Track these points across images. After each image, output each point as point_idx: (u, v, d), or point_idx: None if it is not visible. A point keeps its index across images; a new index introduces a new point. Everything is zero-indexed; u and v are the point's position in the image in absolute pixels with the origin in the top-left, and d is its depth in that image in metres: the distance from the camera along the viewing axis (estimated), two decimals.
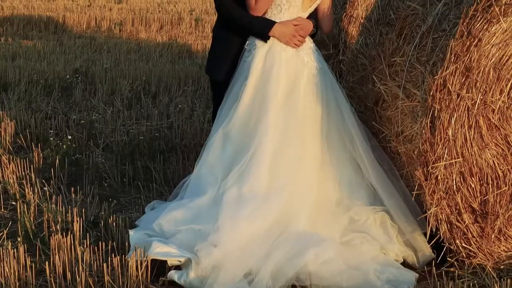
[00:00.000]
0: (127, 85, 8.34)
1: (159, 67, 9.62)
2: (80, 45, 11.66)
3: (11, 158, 5.37)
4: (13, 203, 4.66)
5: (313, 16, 4.38)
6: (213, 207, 3.88)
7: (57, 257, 3.69)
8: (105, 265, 3.56)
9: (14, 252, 3.66)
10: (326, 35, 5.60)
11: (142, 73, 9.07)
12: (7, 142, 5.88)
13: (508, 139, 3.79)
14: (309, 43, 4.33)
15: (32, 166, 5.23)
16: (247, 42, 4.29)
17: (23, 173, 5.13)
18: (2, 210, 4.62)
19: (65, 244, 3.76)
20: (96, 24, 14.43)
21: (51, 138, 5.85)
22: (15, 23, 14.05)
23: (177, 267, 3.67)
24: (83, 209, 4.42)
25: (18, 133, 6.18)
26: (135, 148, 5.82)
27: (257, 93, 4.18)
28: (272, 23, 4.20)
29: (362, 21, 6.29)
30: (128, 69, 9.32)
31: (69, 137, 5.79)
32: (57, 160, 5.31)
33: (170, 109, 7.27)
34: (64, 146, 5.53)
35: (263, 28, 4.20)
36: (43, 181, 5.03)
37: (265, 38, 4.21)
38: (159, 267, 3.71)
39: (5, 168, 5.15)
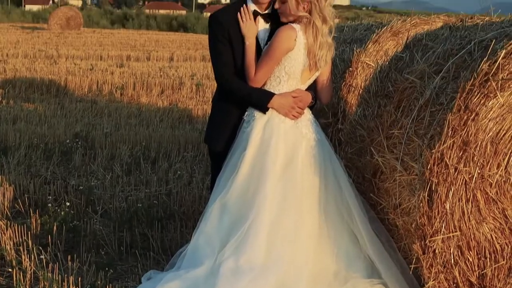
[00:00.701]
0: (126, 150, 8.36)
1: (159, 132, 9.66)
2: (81, 108, 11.73)
3: (9, 223, 5.36)
4: (9, 270, 4.63)
5: (312, 87, 4.43)
6: (210, 278, 3.86)
7: None
8: None
9: None
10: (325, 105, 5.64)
11: (142, 138, 9.11)
12: (5, 207, 5.87)
13: (506, 213, 3.79)
14: (307, 114, 4.37)
15: (29, 232, 5.21)
16: (246, 113, 4.33)
17: (20, 239, 5.11)
18: None
19: None
20: (98, 88, 14.55)
21: (50, 204, 5.84)
22: (17, 86, 14.18)
23: None
24: (80, 278, 4.40)
25: (17, 198, 6.18)
26: (133, 215, 5.80)
27: (255, 164, 4.20)
28: (271, 94, 4.24)
29: (361, 91, 6.36)
30: (128, 134, 9.36)
31: (67, 203, 5.78)
32: (55, 227, 5.29)
33: (169, 175, 7.27)
34: (62, 213, 5.52)
35: (262, 100, 4.24)
36: (40, 248, 5.00)
37: (264, 109, 4.25)
38: None
39: (2, 234, 5.14)
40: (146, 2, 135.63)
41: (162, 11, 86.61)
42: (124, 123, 10.52)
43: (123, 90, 14.27)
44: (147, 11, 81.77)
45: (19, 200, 6.04)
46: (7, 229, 5.20)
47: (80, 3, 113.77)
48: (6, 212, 5.79)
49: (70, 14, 40.00)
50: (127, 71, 17.27)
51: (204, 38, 38.48)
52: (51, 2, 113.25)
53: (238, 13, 4.32)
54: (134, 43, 29.90)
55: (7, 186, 6.22)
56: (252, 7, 4.36)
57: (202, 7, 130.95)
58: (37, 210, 5.75)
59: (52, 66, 17.94)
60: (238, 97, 4.32)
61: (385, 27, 6.79)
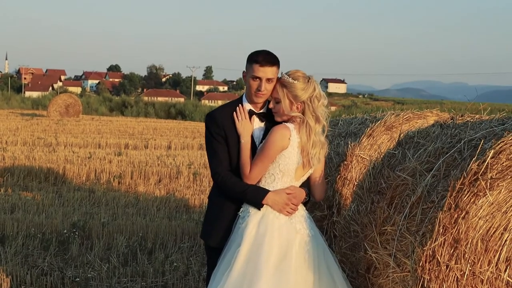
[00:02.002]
0: (123, 240, 8.41)
1: (156, 222, 9.72)
2: (79, 197, 11.80)
3: None
4: None
5: (306, 184, 4.53)
6: None
7: None
8: None
9: None
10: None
11: (139, 228, 9.16)
12: None
13: None
14: (301, 210, 4.45)
15: None
16: (241, 209, 4.41)
17: None
18: None
19: None
20: (96, 176, 14.65)
21: None
22: (16, 174, 14.29)
23: None
24: None
25: None
26: None
27: (249, 259, 4.25)
28: (266, 191, 4.33)
29: (355, 183, 6.46)
30: (125, 223, 9.40)
31: None
32: None
33: (165, 267, 7.30)
34: None
35: (256, 196, 4.33)
36: None
37: (258, 206, 4.33)
38: None
39: None
40: (145, 90, 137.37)
41: (160, 99, 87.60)
42: (121, 212, 10.59)
43: (121, 179, 14.38)
44: (145, 98, 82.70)
45: None
46: None
47: (79, 90, 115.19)
48: None
49: (69, 101, 40.49)
50: (125, 160, 17.42)
51: (202, 126, 38.87)
52: (50, 88, 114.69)
53: (234, 112, 4.45)
54: (132, 131, 30.17)
55: (4, 277, 6.26)
56: (248, 106, 4.50)
57: (200, 94, 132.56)
58: None
59: (51, 154, 18.08)
60: (233, 193, 4.41)
61: (379, 121, 6.94)
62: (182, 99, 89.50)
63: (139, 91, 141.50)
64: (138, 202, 11.70)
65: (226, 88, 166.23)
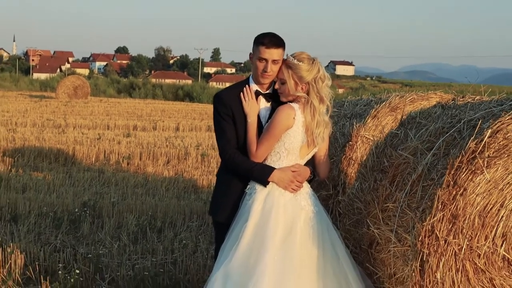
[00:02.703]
0: (133, 219, 8.59)
1: (165, 201, 9.90)
2: (89, 178, 12.00)
3: None
4: None
5: (310, 162, 4.68)
6: None
7: None
8: None
9: None
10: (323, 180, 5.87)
11: (148, 207, 9.34)
12: (17, 274, 6.07)
13: (494, 282, 4.00)
14: (306, 188, 4.61)
15: None
16: (248, 186, 4.58)
17: None
18: None
19: None
20: (105, 157, 14.85)
21: (60, 272, 6.04)
22: (26, 155, 14.50)
23: None
24: None
25: (27, 265, 6.38)
26: (139, 283, 6.00)
27: (256, 235, 4.41)
28: (272, 169, 4.49)
29: (360, 166, 6.61)
30: (135, 203, 9.59)
31: (77, 271, 5.99)
32: None
33: (174, 244, 7.49)
34: (72, 280, 5.72)
35: (262, 174, 4.49)
36: None
37: (264, 183, 4.49)
38: None
39: None
40: (153, 72, 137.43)
41: (168, 81, 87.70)
42: (131, 192, 10.78)
43: (130, 160, 14.56)
44: (153, 80, 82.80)
45: (30, 267, 6.26)
46: None
47: (87, 72, 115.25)
48: (18, 278, 6.01)
49: (77, 83, 40.71)
50: (134, 141, 17.61)
51: (210, 108, 39.01)
52: (58, 70, 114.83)
53: (241, 93, 4.60)
54: (141, 113, 30.35)
55: (18, 253, 6.43)
56: (254, 87, 4.65)
57: (207, 76, 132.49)
58: (48, 277, 5.96)
59: (60, 135, 18.28)
60: (240, 171, 4.57)
61: (384, 103, 7.07)
62: (189, 81, 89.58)
63: (146, 73, 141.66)
64: (147, 182, 11.89)
65: (233, 70, 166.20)
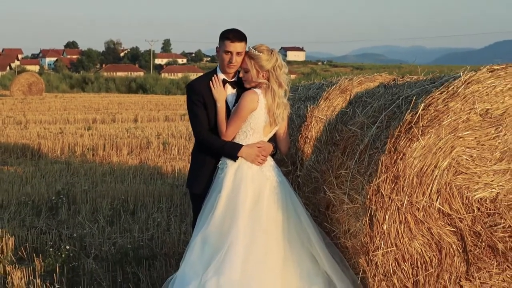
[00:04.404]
0: (107, 204, 9.22)
1: (134, 187, 10.52)
2: (58, 169, 12.54)
3: (17, 267, 6.18)
4: None
5: (273, 139, 5.40)
6: None
7: None
8: None
9: None
10: (285, 155, 6.58)
11: (119, 193, 9.97)
12: (10, 255, 6.68)
13: (431, 231, 4.76)
14: (270, 161, 5.33)
15: (36, 273, 6.04)
16: (220, 161, 5.28)
17: (28, 279, 5.93)
18: None
19: None
20: (70, 150, 15.36)
21: (51, 249, 6.68)
22: None
23: None
24: None
25: (17, 247, 6.99)
26: (122, 257, 6.66)
27: (229, 203, 5.12)
28: (240, 146, 5.20)
29: (315, 142, 7.35)
30: (106, 190, 10.21)
31: (67, 247, 6.63)
32: (57, 268, 6.13)
33: (149, 223, 8.15)
34: (63, 255, 6.37)
35: (232, 150, 5.20)
36: (47, 285, 5.83)
37: (234, 158, 5.20)
38: None
39: (13, 276, 5.95)
40: (103, 65, 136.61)
41: (119, 73, 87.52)
42: (100, 180, 11.38)
43: (94, 151, 15.12)
44: (105, 74, 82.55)
45: (22, 248, 6.88)
46: (15, 272, 6.02)
47: (37, 68, 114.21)
48: (12, 258, 6.62)
49: (32, 80, 40.84)
50: (96, 133, 18.14)
51: (165, 99, 39.57)
52: (8, 68, 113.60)
53: (210, 82, 5.30)
54: (98, 106, 30.77)
55: (9, 236, 7.04)
56: (221, 76, 5.34)
57: (159, 68, 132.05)
58: (40, 255, 6.58)
59: (23, 131, 18.73)
60: (213, 149, 5.27)
61: (334, 86, 7.80)
62: (141, 73, 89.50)
63: (97, 67, 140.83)
64: (114, 171, 12.47)
65: (185, 60, 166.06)
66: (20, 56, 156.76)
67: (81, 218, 8.48)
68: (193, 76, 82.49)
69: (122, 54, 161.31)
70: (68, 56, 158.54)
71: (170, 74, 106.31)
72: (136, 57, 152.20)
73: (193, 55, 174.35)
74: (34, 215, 8.68)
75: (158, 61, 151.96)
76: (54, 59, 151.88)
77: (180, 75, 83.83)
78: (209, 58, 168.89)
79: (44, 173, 12.15)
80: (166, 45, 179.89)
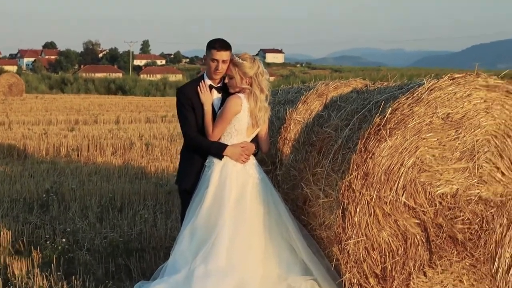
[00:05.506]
0: (95, 202, 9.67)
1: (120, 186, 10.96)
2: (45, 169, 12.93)
3: (16, 258, 6.64)
4: None
5: (255, 140, 5.92)
6: (187, 280, 5.25)
7: None
8: None
9: None
10: (265, 155, 7.06)
11: (106, 191, 10.41)
12: (8, 247, 7.13)
13: (398, 223, 5.30)
14: (252, 160, 5.85)
15: (35, 263, 6.51)
16: (207, 160, 5.79)
17: (28, 269, 6.40)
18: None
19: None
20: (55, 150, 15.75)
21: (48, 242, 7.14)
22: None
23: None
24: None
25: (14, 241, 7.43)
26: (114, 249, 7.14)
27: (215, 198, 5.63)
28: (225, 145, 5.71)
29: (293, 142, 7.87)
30: (93, 188, 10.65)
31: (63, 240, 7.10)
32: (54, 259, 6.59)
33: (136, 220, 8.62)
34: (59, 247, 6.84)
35: (218, 150, 5.71)
36: (45, 274, 6.28)
37: (220, 157, 5.71)
38: None
39: (12, 267, 6.40)
40: (82, 66, 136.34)
41: (98, 74, 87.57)
42: (86, 180, 11.81)
43: (79, 151, 15.53)
44: (83, 74, 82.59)
45: (19, 241, 7.33)
46: (14, 263, 6.47)
47: (15, 69, 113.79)
48: (10, 250, 7.07)
49: (12, 80, 41.05)
50: (79, 134, 18.52)
51: (145, 100, 39.97)
52: None
53: (198, 87, 5.80)
54: (79, 107, 31.13)
55: (6, 231, 7.48)
56: (208, 81, 5.85)
57: (138, 69, 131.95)
58: (38, 248, 7.04)
59: (7, 131, 19.09)
60: (200, 148, 5.78)
61: (312, 90, 8.32)
62: (120, 74, 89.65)
63: (76, 67, 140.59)
64: (99, 170, 12.89)
65: (164, 61, 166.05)
66: None
67: (71, 215, 8.92)
68: (172, 77, 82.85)
69: (100, 55, 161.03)
70: (46, 57, 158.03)
71: (149, 75, 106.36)
72: (115, 58, 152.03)
73: (172, 56, 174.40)
74: (27, 212, 9.10)
75: (137, 62, 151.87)
76: (32, 59, 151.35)
77: (159, 76, 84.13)
78: (188, 60, 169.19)
79: (31, 172, 12.53)
80: (145, 46, 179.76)
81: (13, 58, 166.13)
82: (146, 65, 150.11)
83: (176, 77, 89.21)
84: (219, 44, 5.72)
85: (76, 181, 11.54)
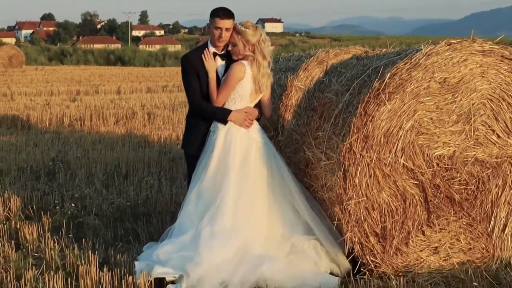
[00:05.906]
0: (101, 169, 9.87)
1: (125, 154, 11.16)
2: (49, 139, 13.14)
3: (27, 222, 6.85)
4: (36, 254, 6.13)
5: (258, 105, 6.10)
6: (194, 240, 5.46)
7: (82, 281, 5.22)
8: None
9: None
10: (267, 121, 7.25)
11: (111, 159, 10.61)
12: (18, 213, 7.34)
13: (397, 183, 5.50)
14: (255, 124, 6.04)
15: (46, 227, 6.73)
16: (212, 125, 5.98)
17: (39, 233, 6.61)
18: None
19: (88, 271, 5.31)
20: (58, 120, 15.93)
21: (57, 207, 7.35)
22: None
23: (173, 282, 5.21)
24: (95, 252, 5.94)
25: (24, 207, 7.63)
26: (122, 213, 7.35)
27: (220, 162, 5.83)
28: (229, 111, 5.89)
29: (295, 108, 8.04)
30: (98, 156, 10.86)
31: (73, 204, 7.31)
32: (64, 224, 6.81)
33: (142, 186, 8.82)
34: (69, 212, 7.05)
35: (223, 115, 5.89)
36: (56, 238, 6.50)
37: (224, 122, 5.90)
38: (161, 284, 5.25)
39: (24, 231, 6.61)
40: (80, 37, 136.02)
41: (97, 46, 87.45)
42: (91, 148, 12.01)
43: (81, 121, 15.71)
44: (82, 46, 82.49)
45: (29, 207, 7.55)
46: (25, 228, 6.68)
47: (14, 41, 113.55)
48: (21, 216, 7.28)
49: (12, 52, 41.10)
50: (81, 105, 18.70)
51: (145, 71, 40.06)
52: None
53: (202, 54, 5.96)
54: (79, 78, 31.27)
55: (15, 197, 7.69)
56: (212, 49, 6.02)
57: (136, 40, 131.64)
58: (48, 213, 7.25)
59: (10, 102, 19.27)
60: (205, 114, 5.96)
61: (312, 58, 8.48)
62: (119, 45, 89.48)
63: (74, 39, 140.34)
64: (103, 139, 13.10)
65: (162, 32, 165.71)
66: None
67: (78, 182, 9.12)
68: (171, 48, 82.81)
69: (99, 26, 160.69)
70: (45, 29, 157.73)
71: (147, 46, 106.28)
72: (113, 29, 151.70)
73: (171, 27, 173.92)
74: (34, 180, 9.30)
75: (135, 33, 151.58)
76: (31, 31, 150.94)
77: (158, 47, 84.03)
78: (187, 30, 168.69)
79: (36, 142, 12.73)
80: (144, 17, 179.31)
81: (11, 30, 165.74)
82: (144, 35, 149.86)
83: (175, 48, 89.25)
84: (222, 13, 5.87)
85: (80, 150, 11.73)
